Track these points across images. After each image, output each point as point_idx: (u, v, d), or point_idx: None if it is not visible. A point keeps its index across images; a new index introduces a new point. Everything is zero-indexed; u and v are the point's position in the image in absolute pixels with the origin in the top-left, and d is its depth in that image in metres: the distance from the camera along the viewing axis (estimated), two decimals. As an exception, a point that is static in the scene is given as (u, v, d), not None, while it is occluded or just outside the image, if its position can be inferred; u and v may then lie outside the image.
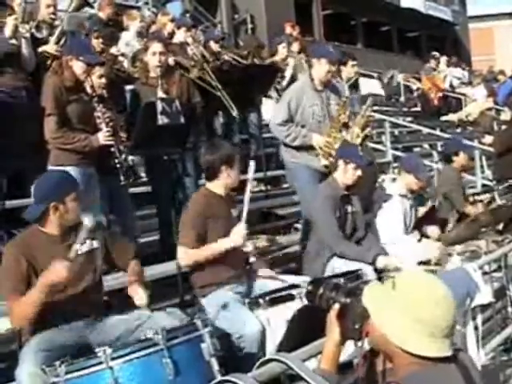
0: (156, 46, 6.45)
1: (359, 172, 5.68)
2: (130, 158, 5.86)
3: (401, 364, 2.33)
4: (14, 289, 3.81)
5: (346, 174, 5.69)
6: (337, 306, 2.52)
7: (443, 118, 17.06)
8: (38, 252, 3.90)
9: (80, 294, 3.96)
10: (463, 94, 18.35)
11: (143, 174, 6.65)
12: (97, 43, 7.38)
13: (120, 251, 4.29)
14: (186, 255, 4.67)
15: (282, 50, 10.41)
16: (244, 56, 9.62)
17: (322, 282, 2.65)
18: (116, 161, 5.58)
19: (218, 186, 4.84)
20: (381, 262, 5.39)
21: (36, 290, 3.74)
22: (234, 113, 7.87)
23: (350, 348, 3.95)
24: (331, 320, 2.54)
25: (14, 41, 6.55)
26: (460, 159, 7.49)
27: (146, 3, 14.87)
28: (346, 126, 6.51)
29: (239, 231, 4.64)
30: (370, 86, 15.80)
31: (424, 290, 2.33)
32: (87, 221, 3.89)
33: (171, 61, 7.43)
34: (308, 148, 6.39)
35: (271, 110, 8.67)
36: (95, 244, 4.11)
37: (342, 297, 2.52)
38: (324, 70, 6.43)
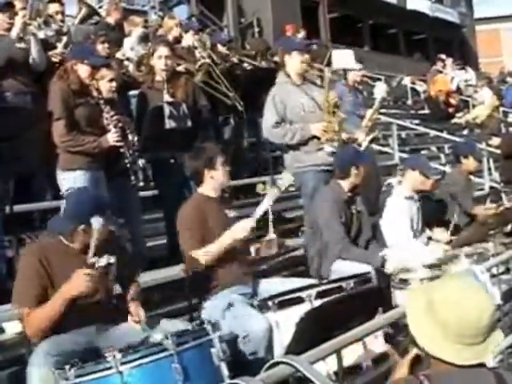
0: (162, 50, 6.47)
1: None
2: (141, 161, 5.87)
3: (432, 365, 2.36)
4: (31, 301, 3.81)
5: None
6: (413, 352, 2.55)
7: (451, 121, 17.03)
8: (57, 264, 3.90)
9: (93, 305, 3.96)
10: (470, 96, 18.33)
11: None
12: (102, 48, 7.38)
13: (127, 275, 4.29)
14: (203, 255, 4.60)
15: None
16: (252, 56, 9.60)
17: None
18: (126, 161, 5.58)
19: (207, 189, 4.90)
20: (389, 265, 5.37)
21: (55, 303, 3.77)
22: (240, 108, 7.88)
23: (359, 351, 3.96)
24: (402, 362, 2.61)
25: (21, 44, 6.52)
26: (469, 162, 7.48)
27: (153, 7, 14.92)
28: (337, 107, 6.40)
29: (244, 225, 4.64)
30: (343, 61, 15.59)
31: (453, 298, 2.31)
32: (96, 223, 3.90)
33: (181, 68, 7.44)
34: (309, 141, 6.21)
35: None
36: (112, 259, 4.11)
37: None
38: (297, 61, 6.38)
